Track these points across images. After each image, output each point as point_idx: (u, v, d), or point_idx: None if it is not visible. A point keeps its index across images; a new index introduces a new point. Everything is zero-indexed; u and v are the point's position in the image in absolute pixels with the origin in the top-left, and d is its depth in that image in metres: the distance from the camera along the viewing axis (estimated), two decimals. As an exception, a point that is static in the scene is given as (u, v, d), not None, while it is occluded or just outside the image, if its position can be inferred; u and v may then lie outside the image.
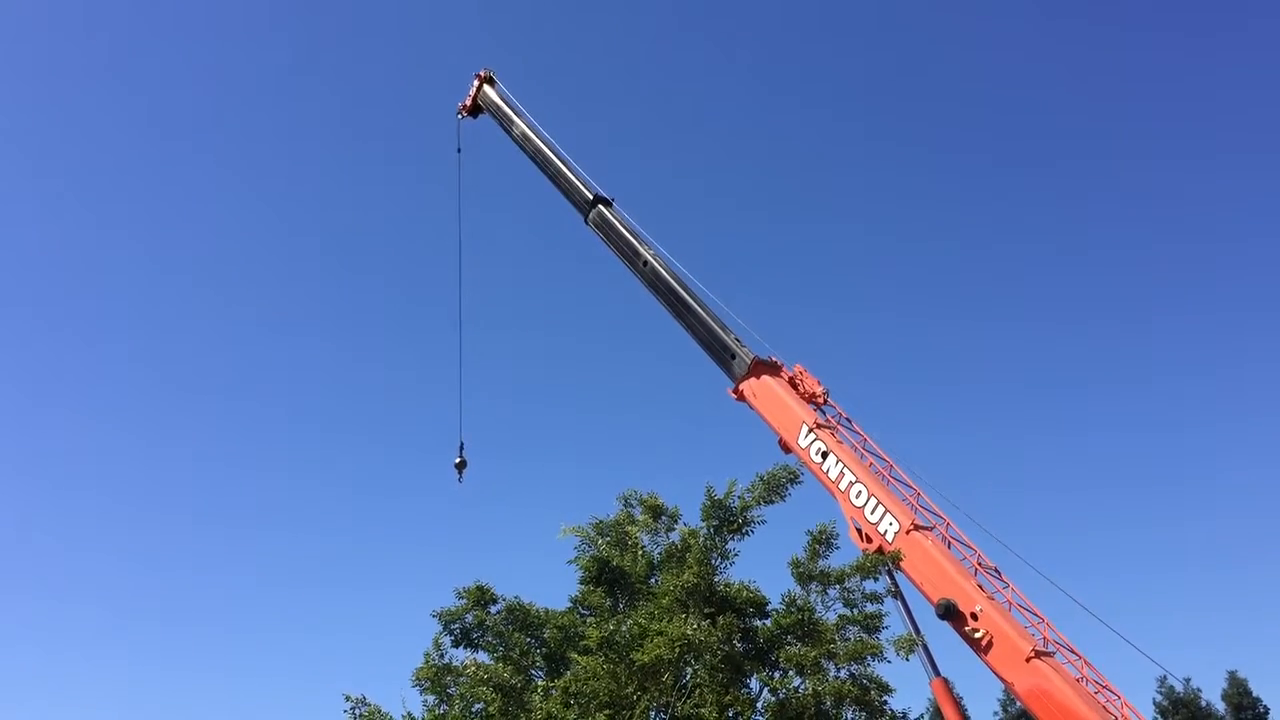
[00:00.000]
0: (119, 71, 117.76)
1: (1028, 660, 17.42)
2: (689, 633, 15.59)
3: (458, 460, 29.19)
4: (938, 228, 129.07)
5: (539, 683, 17.05)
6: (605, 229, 27.35)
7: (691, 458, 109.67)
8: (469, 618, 17.90)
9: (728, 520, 18.01)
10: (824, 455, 21.43)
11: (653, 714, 15.99)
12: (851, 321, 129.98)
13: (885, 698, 16.56)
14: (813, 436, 21.79)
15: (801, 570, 17.74)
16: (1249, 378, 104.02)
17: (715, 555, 17.80)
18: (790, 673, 16.46)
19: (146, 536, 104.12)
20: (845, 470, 21.01)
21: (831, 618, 17.19)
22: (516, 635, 17.68)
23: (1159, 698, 45.05)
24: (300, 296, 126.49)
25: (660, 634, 15.65)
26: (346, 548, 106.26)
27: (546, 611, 18.12)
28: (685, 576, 16.90)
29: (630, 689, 15.73)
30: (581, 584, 18.66)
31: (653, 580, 18.51)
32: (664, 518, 19.22)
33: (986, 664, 18.14)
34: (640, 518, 19.44)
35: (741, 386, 23.76)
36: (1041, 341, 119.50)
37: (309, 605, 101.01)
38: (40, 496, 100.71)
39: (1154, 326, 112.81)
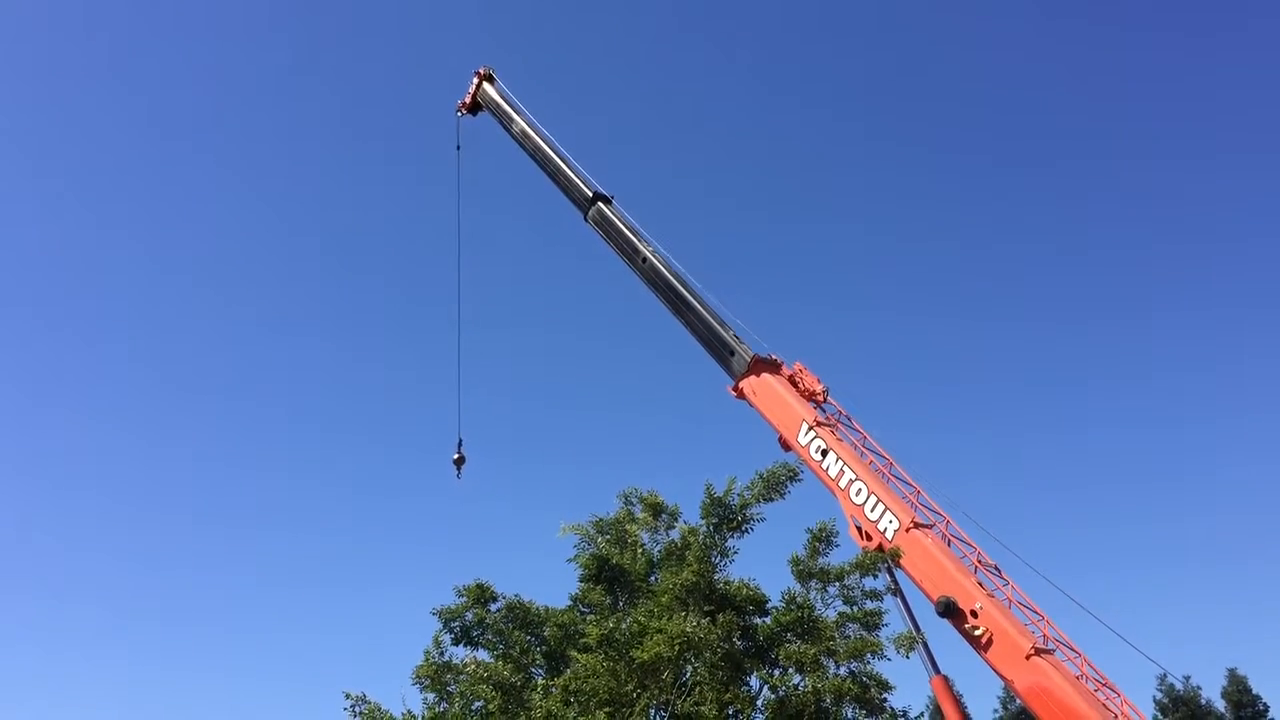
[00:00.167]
0: (119, 71, 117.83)
1: (1028, 658, 17.43)
2: (689, 630, 15.58)
3: (456, 456, 29.31)
4: (937, 227, 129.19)
5: (539, 681, 17.05)
6: (604, 226, 27.34)
7: (691, 456, 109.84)
8: (469, 616, 17.90)
9: (727, 518, 18.01)
10: (824, 453, 21.42)
11: (653, 712, 15.98)
12: (851, 320, 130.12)
13: (885, 695, 16.56)
14: (813, 434, 21.78)
15: (801, 568, 17.74)
16: (1248, 375, 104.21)
17: (715, 553, 17.80)
18: (790, 670, 16.45)
19: (146, 536, 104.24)
20: (845, 468, 21.01)
21: (831, 615, 17.20)
22: (516, 633, 17.68)
23: (1159, 695, 45.14)
24: (300, 296, 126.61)
25: (660, 632, 15.65)
26: (346, 548, 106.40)
27: (546, 609, 18.12)
28: (685, 574, 16.90)
29: (630, 687, 15.73)
30: (581, 582, 18.67)
31: (652, 578, 18.51)
32: (664, 515, 19.23)
33: (986, 661, 18.14)
34: (640, 515, 19.45)
35: (741, 384, 23.75)
36: (1041, 340, 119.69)
37: (309, 605, 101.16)
38: (40, 496, 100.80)
39: (1153, 324, 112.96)
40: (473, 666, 16.96)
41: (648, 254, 26.15)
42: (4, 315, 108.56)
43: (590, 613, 17.98)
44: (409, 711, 16.94)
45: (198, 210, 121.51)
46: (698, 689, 15.93)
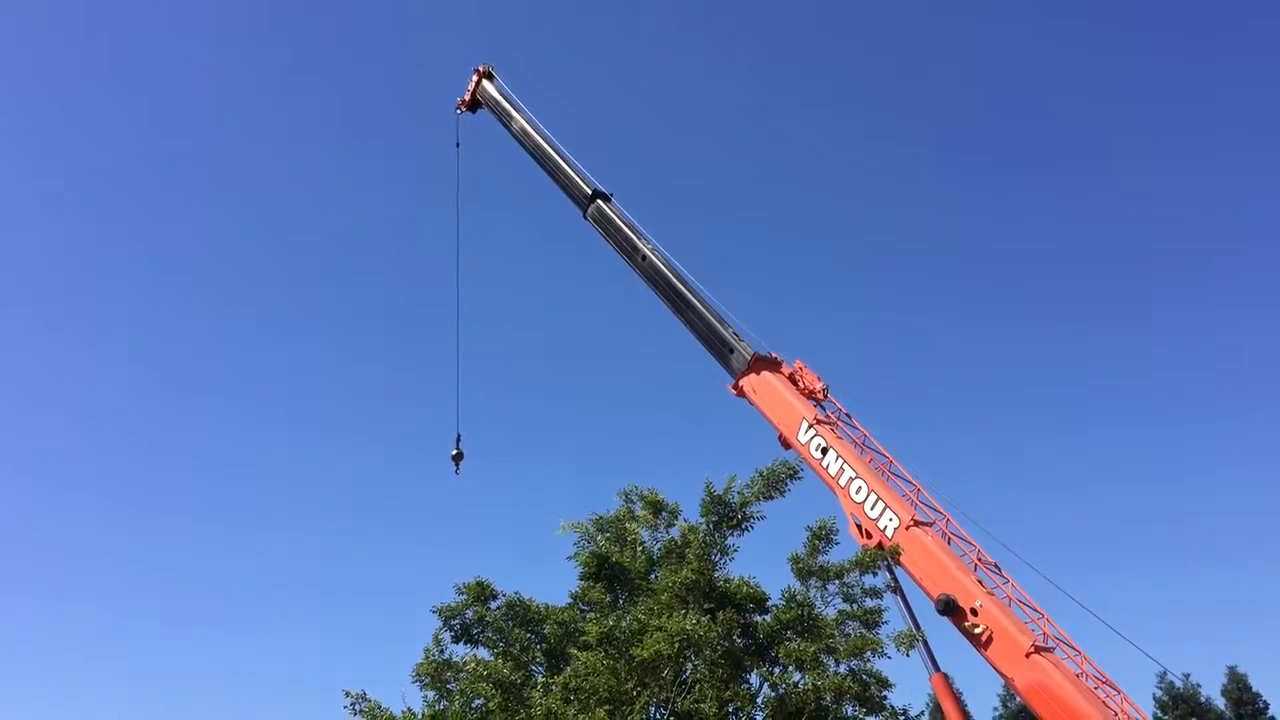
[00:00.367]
0: (119, 71, 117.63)
1: (1027, 656, 17.44)
2: (689, 628, 15.58)
3: (455, 452, 29.40)
4: (937, 226, 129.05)
5: (539, 678, 17.05)
6: (604, 224, 27.34)
7: (691, 454, 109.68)
8: (469, 613, 17.90)
9: (727, 516, 18.01)
10: (824, 451, 21.43)
11: (653, 709, 15.99)
12: (851, 319, 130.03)
13: (885, 693, 16.57)
14: (813, 432, 21.79)
15: (801, 566, 17.75)
16: (1248, 374, 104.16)
17: (715, 551, 17.81)
18: (790, 668, 16.46)
19: (146, 536, 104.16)
20: (845, 466, 21.02)
21: (831, 613, 17.21)
22: (516, 631, 17.68)
23: (1159, 693, 45.14)
24: (300, 296, 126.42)
25: (660, 629, 15.65)
26: (346, 547, 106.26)
27: (546, 607, 18.12)
28: (685, 572, 16.90)
29: (630, 684, 15.74)
30: (581, 580, 18.67)
31: (652, 576, 18.51)
32: (664, 513, 19.22)
33: (986, 659, 18.16)
34: (640, 513, 19.45)
35: (741, 382, 23.76)
36: (1040, 339, 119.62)
37: (309, 605, 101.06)
38: (40, 496, 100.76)
39: (1153, 324, 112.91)
40: (473, 664, 16.96)
41: (647, 252, 26.14)
42: (4, 315, 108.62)
43: (590, 611, 17.98)
44: (409, 709, 16.94)
45: (198, 210, 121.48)
46: (698, 687, 15.94)
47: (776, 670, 16.56)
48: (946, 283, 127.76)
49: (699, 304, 25.00)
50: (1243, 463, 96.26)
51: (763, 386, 23.29)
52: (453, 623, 17.86)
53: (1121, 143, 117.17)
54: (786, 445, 22.30)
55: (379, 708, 16.75)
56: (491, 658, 17.30)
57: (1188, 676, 45.24)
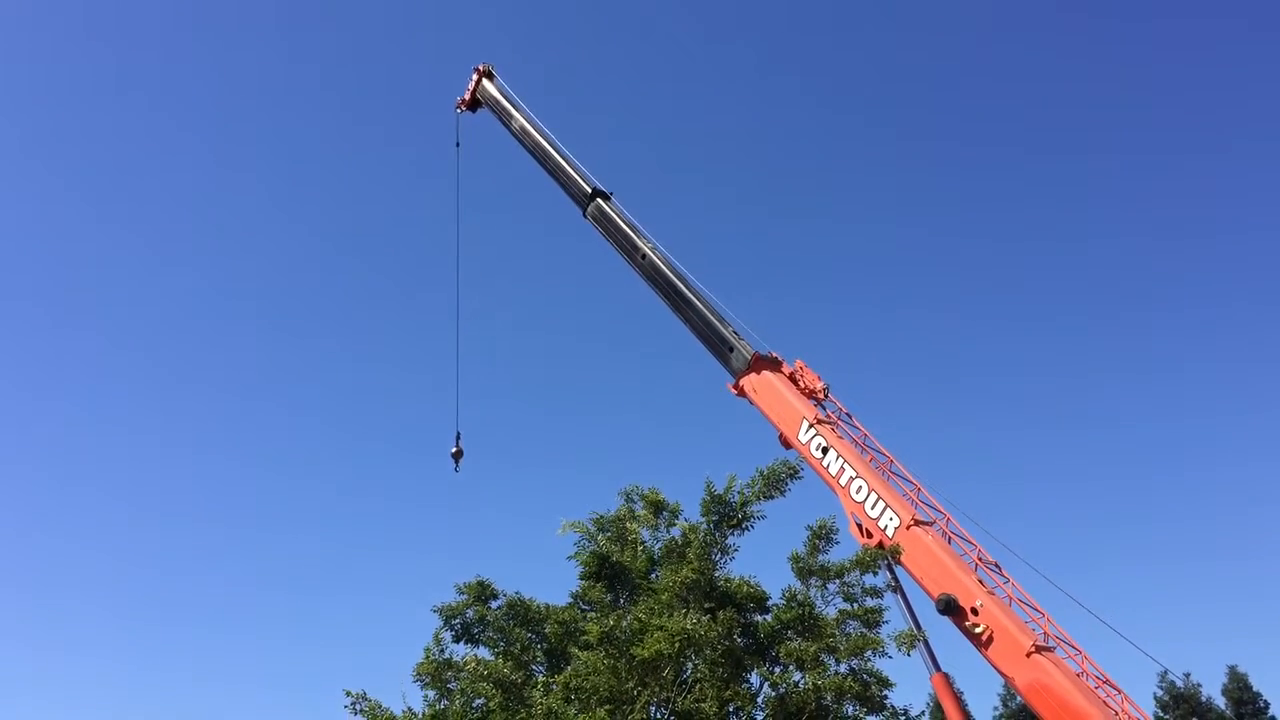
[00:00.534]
0: (119, 71, 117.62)
1: (1028, 655, 17.42)
2: (689, 628, 15.56)
3: (455, 450, 29.43)
4: (937, 225, 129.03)
5: (539, 678, 17.02)
6: (604, 223, 27.32)
7: (691, 454, 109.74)
8: (470, 613, 17.89)
9: (728, 515, 17.99)
10: (824, 450, 21.41)
11: (653, 709, 15.98)
12: (851, 318, 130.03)
13: (886, 693, 16.55)
14: (813, 432, 21.77)
15: (801, 565, 17.73)
16: (1248, 372, 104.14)
17: (715, 550, 17.79)
18: (790, 668, 16.45)
19: (146, 536, 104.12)
20: (846, 465, 21.00)
21: (832, 613, 17.19)
22: (517, 630, 17.67)
23: (1159, 692, 45.14)
24: (300, 296, 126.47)
25: (660, 629, 15.63)
26: (347, 547, 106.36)
27: (547, 607, 18.11)
28: (685, 572, 16.89)
29: (631, 684, 15.72)
30: (581, 579, 18.66)
31: (653, 575, 18.50)
32: (664, 513, 19.21)
33: (987, 659, 18.14)
34: (641, 513, 19.44)
35: (741, 382, 23.74)
36: (1041, 338, 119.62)
37: (309, 604, 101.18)
38: (40, 496, 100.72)
39: (1153, 323, 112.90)
40: (473, 664, 16.94)
41: (647, 250, 26.12)
42: (4, 314, 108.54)
43: (591, 610, 17.97)
44: (409, 709, 16.92)
45: (198, 209, 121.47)
46: (698, 686, 15.93)
47: (777, 670, 16.55)
48: (947, 281, 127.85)
49: (699, 303, 24.98)
50: (1243, 461, 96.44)
51: (763, 386, 23.27)
52: (453, 622, 17.85)
53: (1120, 141, 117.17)
54: (787, 445, 22.28)
55: (379, 707, 16.73)
56: (492, 657, 17.29)
57: (1188, 676, 45.35)
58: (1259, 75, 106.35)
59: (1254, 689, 45.34)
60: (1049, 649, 17.67)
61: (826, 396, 22.77)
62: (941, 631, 18.67)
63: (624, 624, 16.34)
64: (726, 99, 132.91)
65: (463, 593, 18.03)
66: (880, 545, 19.32)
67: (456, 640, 17.83)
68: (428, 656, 17.27)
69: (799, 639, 16.59)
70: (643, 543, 19.13)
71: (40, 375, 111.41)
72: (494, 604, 18.00)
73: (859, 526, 20.35)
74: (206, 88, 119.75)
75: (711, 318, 24.68)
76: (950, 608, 18.48)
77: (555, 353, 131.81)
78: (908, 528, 19.53)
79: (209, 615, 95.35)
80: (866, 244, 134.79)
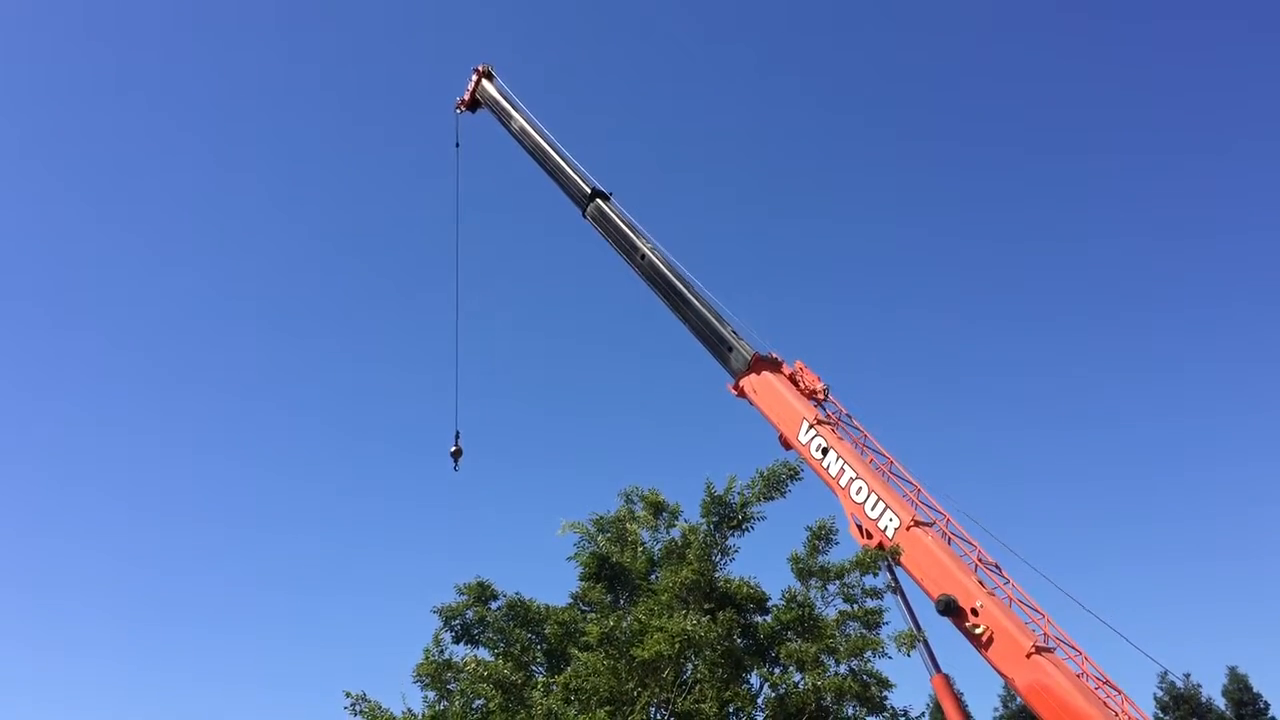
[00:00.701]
0: (119, 71, 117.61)
1: (1028, 656, 17.41)
2: (689, 628, 15.57)
3: (454, 448, 29.46)
4: (938, 225, 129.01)
5: (539, 679, 17.03)
6: (603, 223, 27.33)
7: (691, 454, 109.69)
8: (469, 614, 17.90)
9: (728, 516, 18.00)
10: (824, 451, 21.41)
11: (653, 710, 15.98)
12: (851, 318, 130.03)
13: (885, 693, 16.56)
14: (813, 433, 21.76)
15: (801, 566, 17.74)
16: (1248, 372, 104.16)
17: (715, 551, 17.80)
18: (790, 668, 16.46)
19: (146, 536, 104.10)
20: (846, 466, 20.99)
21: (832, 613, 17.20)
22: (517, 631, 17.67)
23: (1159, 693, 45.09)
24: (300, 296, 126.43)
25: (660, 630, 15.64)
26: (346, 548, 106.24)
27: (547, 608, 18.11)
28: (685, 572, 16.90)
29: (631, 685, 15.72)
30: (581, 580, 18.66)
31: (653, 576, 18.50)
32: (664, 514, 19.22)
33: (987, 660, 18.13)
34: (641, 514, 19.45)
35: (742, 382, 23.74)
36: (1041, 338, 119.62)
37: (309, 605, 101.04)
38: (40, 496, 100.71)
39: (1153, 322, 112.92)
40: (473, 665, 16.95)
41: (646, 251, 26.12)
42: (4, 313, 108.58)
43: (591, 611, 17.97)
44: (409, 710, 16.94)
45: (198, 208, 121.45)
46: (698, 687, 15.93)
47: (777, 670, 16.56)
48: (947, 281, 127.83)
49: (698, 303, 24.98)
50: (1243, 461, 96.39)
51: (763, 387, 23.27)
52: (453, 623, 17.86)
53: (1120, 140, 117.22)
54: (787, 445, 22.28)
55: (379, 708, 16.74)
56: (492, 658, 17.30)
57: (1188, 676, 45.26)
58: (1259, 75, 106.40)
59: (1254, 690, 45.28)
60: (1049, 650, 17.67)
61: (826, 397, 22.77)
62: (941, 632, 18.69)
63: (624, 625, 16.35)
64: (726, 99, 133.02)
65: (462, 593, 18.03)
66: (880, 546, 19.31)
67: (456, 641, 17.84)
68: (427, 657, 17.28)
69: (799, 640, 16.59)
70: (643, 543, 19.14)
71: (40, 375, 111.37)
72: (494, 605, 18.01)
73: (859, 527, 20.35)
74: (206, 88, 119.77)
75: (711, 318, 24.68)
76: (950, 608, 18.48)
77: (555, 353, 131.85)
78: (908, 529, 19.52)
79: (209, 615, 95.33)
80: (866, 244, 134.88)
